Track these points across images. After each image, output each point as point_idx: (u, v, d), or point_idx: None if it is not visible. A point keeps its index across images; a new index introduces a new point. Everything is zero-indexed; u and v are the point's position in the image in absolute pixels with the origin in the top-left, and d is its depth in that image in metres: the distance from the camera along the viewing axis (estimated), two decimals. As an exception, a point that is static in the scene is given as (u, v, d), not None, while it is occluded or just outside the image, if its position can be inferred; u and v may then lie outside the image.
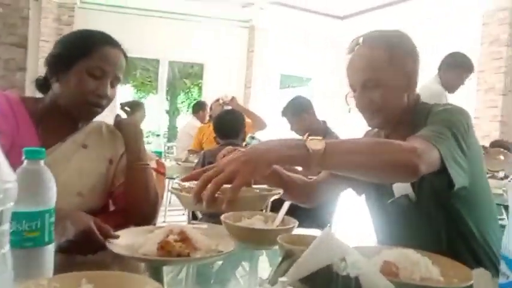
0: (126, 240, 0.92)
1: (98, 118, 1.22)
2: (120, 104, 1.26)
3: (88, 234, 0.85)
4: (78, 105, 1.12)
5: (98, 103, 1.13)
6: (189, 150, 3.88)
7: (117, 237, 0.88)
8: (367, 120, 1.17)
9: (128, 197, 1.18)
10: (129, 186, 1.18)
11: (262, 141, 0.83)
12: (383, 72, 1.09)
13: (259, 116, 3.78)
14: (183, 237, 0.88)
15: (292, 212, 1.19)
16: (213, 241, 0.94)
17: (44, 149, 0.73)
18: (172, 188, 0.97)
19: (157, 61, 7.31)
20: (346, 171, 0.91)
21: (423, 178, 1.01)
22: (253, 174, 0.76)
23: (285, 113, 3.23)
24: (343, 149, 0.85)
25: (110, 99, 1.15)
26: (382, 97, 1.10)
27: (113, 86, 1.15)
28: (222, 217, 1.12)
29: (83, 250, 0.85)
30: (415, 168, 0.86)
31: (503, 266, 0.73)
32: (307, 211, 1.34)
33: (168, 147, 6.15)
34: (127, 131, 1.22)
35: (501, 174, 3.35)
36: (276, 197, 0.85)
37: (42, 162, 0.72)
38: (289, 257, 0.76)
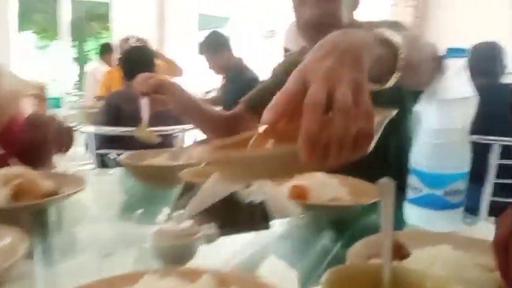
0: None
1: None
2: None
3: None
4: None
5: None
6: (96, 97, 3.56)
7: None
8: (308, 38, 1.06)
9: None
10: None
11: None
12: None
13: (176, 63, 3.54)
14: (29, 180, 0.78)
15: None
16: (57, 183, 0.84)
17: None
18: None
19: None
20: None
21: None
22: None
23: (201, 49, 3.11)
24: (419, 42, 0.68)
25: None
26: (337, 11, 1.01)
27: None
28: (123, 157, 1.01)
29: None
30: None
31: (414, 181, 0.72)
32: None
33: (79, 97, 5.66)
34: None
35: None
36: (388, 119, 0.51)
37: None
38: (188, 190, 0.69)
